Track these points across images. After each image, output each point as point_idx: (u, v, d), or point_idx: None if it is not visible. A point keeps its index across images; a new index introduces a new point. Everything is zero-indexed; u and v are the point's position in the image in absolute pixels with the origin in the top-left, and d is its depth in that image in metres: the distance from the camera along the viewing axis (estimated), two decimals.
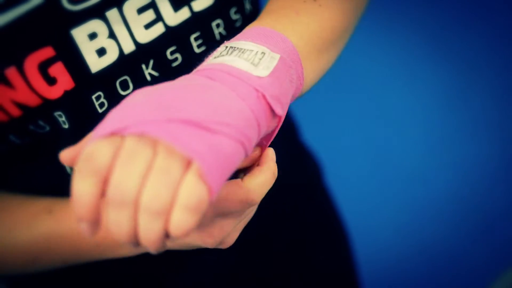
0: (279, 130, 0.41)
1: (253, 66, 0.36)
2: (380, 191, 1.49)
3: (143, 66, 0.46)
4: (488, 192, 1.50)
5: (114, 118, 0.32)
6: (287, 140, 0.67)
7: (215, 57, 0.38)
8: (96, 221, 0.31)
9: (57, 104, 0.43)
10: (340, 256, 0.77)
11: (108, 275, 0.58)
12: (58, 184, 0.48)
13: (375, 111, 1.55)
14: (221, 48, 0.39)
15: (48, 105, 0.43)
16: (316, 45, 0.44)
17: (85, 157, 0.30)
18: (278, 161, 0.41)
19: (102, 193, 0.31)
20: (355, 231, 0.95)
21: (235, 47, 0.38)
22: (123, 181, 0.30)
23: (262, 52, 0.37)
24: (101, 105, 0.45)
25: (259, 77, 0.36)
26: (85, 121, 0.45)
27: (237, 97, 0.34)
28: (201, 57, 0.47)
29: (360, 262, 0.89)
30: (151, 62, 0.46)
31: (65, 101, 0.44)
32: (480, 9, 1.56)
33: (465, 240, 1.46)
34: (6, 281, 0.62)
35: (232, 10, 0.49)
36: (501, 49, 1.56)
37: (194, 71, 0.38)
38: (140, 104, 0.32)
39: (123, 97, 0.46)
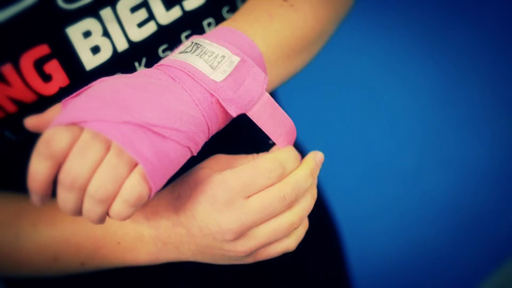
0: None
1: (211, 69, 0.39)
2: (374, 190, 1.50)
3: (136, 64, 0.47)
4: (483, 190, 1.50)
5: (78, 108, 0.35)
6: None
7: (180, 52, 0.41)
8: (46, 195, 0.36)
9: (52, 100, 0.44)
10: (334, 254, 0.77)
11: (105, 273, 0.58)
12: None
13: (370, 110, 1.55)
14: (188, 43, 0.41)
15: (43, 101, 0.44)
16: (284, 52, 0.46)
17: (45, 141, 0.34)
18: None
19: (55, 173, 0.35)
20: (349, 229, 0.96)
21: (199, 45, 0.41)
22: (75, 169, 0.34)
23: (222, 55, 0.40)
24: None
25: (214, 81, 0.39)
26: None
27: (193, 102, 0.38)
28: None
29: (354, 260, 0.90)
30: (144, 60, 0.47)
31: (60, 98, 0.44)
32: (478, 7, 1.57)
33: (460, 238, 1.46)
34: (4, 281, 0.62)
35: (225, 9, 0.50)
36: (500, 48, 1.57)
37: (162, 63, 0.40)
38: (103, 98, 0.35)
39: None
